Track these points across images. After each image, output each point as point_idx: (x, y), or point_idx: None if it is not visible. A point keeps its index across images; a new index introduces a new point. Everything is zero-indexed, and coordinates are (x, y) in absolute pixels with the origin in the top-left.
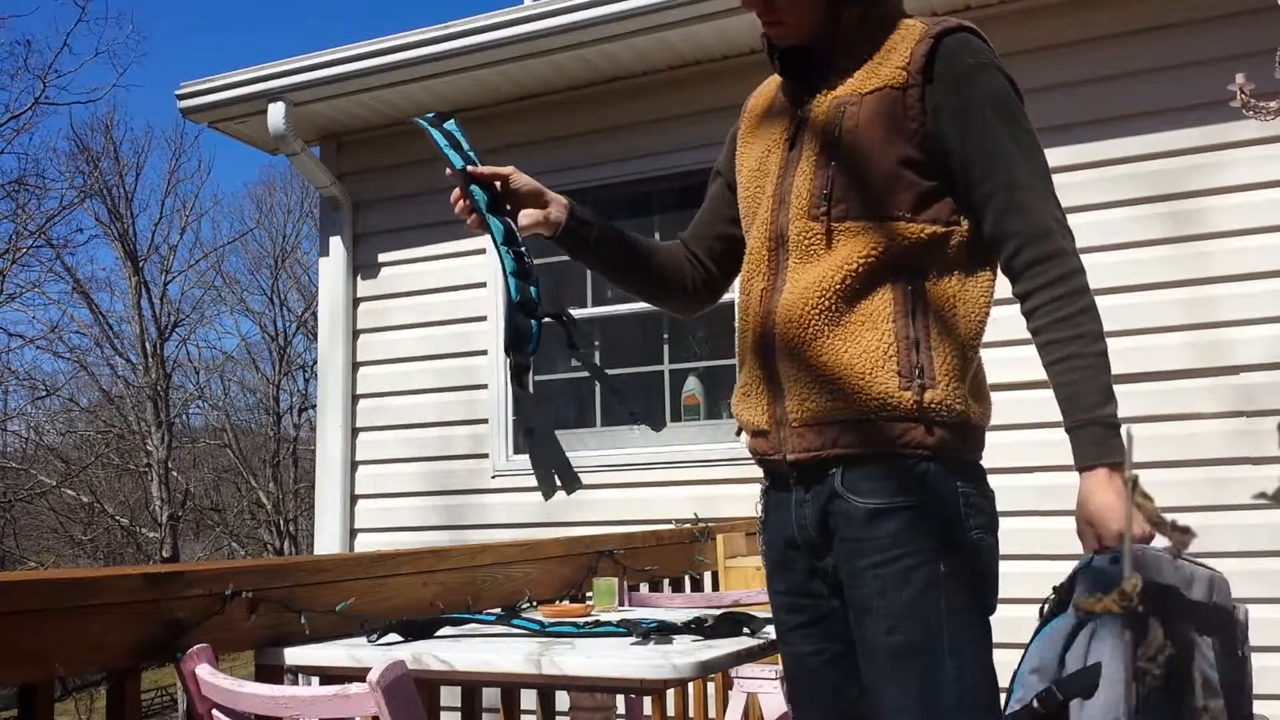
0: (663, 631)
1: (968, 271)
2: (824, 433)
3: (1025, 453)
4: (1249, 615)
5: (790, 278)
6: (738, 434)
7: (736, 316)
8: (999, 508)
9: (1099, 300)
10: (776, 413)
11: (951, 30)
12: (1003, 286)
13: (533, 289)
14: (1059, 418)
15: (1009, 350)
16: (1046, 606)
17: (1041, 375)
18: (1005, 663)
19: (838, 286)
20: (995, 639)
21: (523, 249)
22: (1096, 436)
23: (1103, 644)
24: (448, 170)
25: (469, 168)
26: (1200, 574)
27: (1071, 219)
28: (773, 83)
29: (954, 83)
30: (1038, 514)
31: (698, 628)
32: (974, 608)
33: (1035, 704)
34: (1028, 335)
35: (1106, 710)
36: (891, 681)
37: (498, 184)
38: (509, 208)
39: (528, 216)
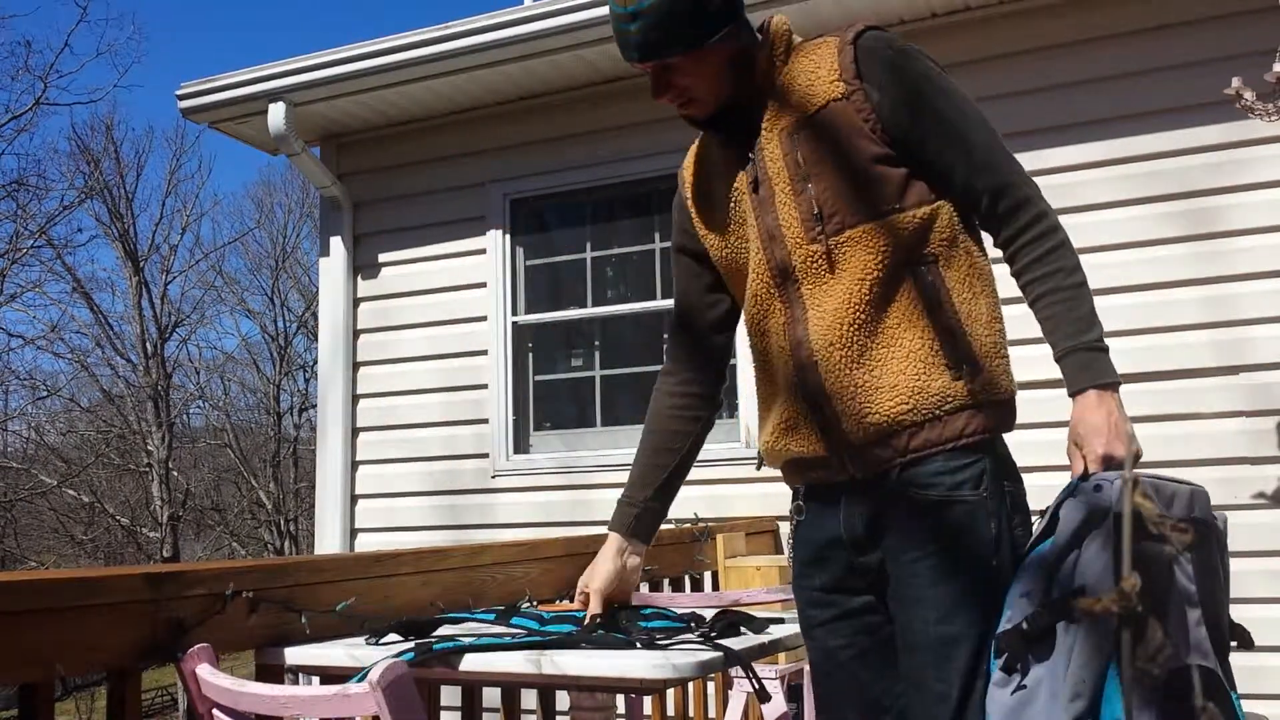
0: (664, 633)
1: (971, 243)
2: (891, 443)
3: (1024, 453)
4: (1228, 523)
5: (811, 304)
6: (759, 468)
7: (753, 360)
8: None
9: (1114, 299)
10: (834, 438)
11: (860, 32)
12: (1004, 288)
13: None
14: (1059, 417)
15: (1015, 349)
16: (1035, 527)
17: (1041, 375)
18: None
19: (867, 296)
20: None
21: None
22: (1082, 361)
23: (1088, 568)
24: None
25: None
26: (1181, 491)
27: (1084, 217)
28: (698, 146)
29: (887, 75)
30: (1038, 514)
31: (696, 628)
32: None
33: (1025, 625)
34: (1024, 336)
35: (1089, 634)
36: (936, 671)
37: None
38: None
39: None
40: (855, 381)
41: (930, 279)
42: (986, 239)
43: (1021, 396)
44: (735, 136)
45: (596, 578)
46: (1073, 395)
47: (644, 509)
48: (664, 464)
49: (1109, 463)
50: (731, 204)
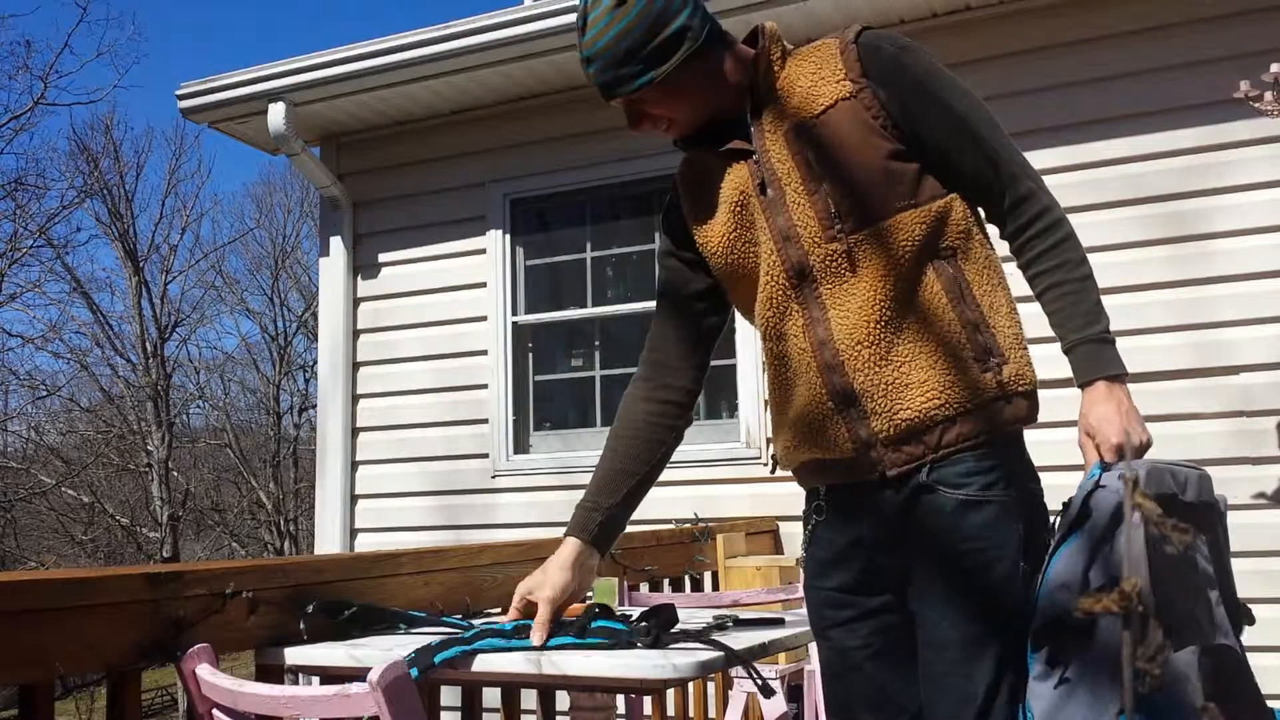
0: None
1: (982, 236)
2: (924, 439)
3: (1031, 452)
4: (1227, 503)
5: (831, 304)
6: (773, 470)
7: (769, 364)
8: None
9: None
10: (861, 436)
11: (860, 31)
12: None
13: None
14: (1062, 417)
15: None
16: (1057, 523)
17: (1045, 374)
18: None
19: (891, 293)
20: None
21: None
22: (1090, 353)
23: (1124, 560)
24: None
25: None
26: (1191, 476)
27: (1069, 219)
28: (688, 156)
29: (893, 71)
30: (1060, 509)
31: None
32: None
33: (1065, 619)
34: (1028, 335)
35: None
36: (963, 670)
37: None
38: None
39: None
40: (885, 379)
41: (951, 271)
42: (993, 232)
43: None
44: (727, 143)
45: (548, 586)
46: (1081, 387)
47: (607, 516)
48: (633, 471)
49: (1121, 450)
50: (734, 208)
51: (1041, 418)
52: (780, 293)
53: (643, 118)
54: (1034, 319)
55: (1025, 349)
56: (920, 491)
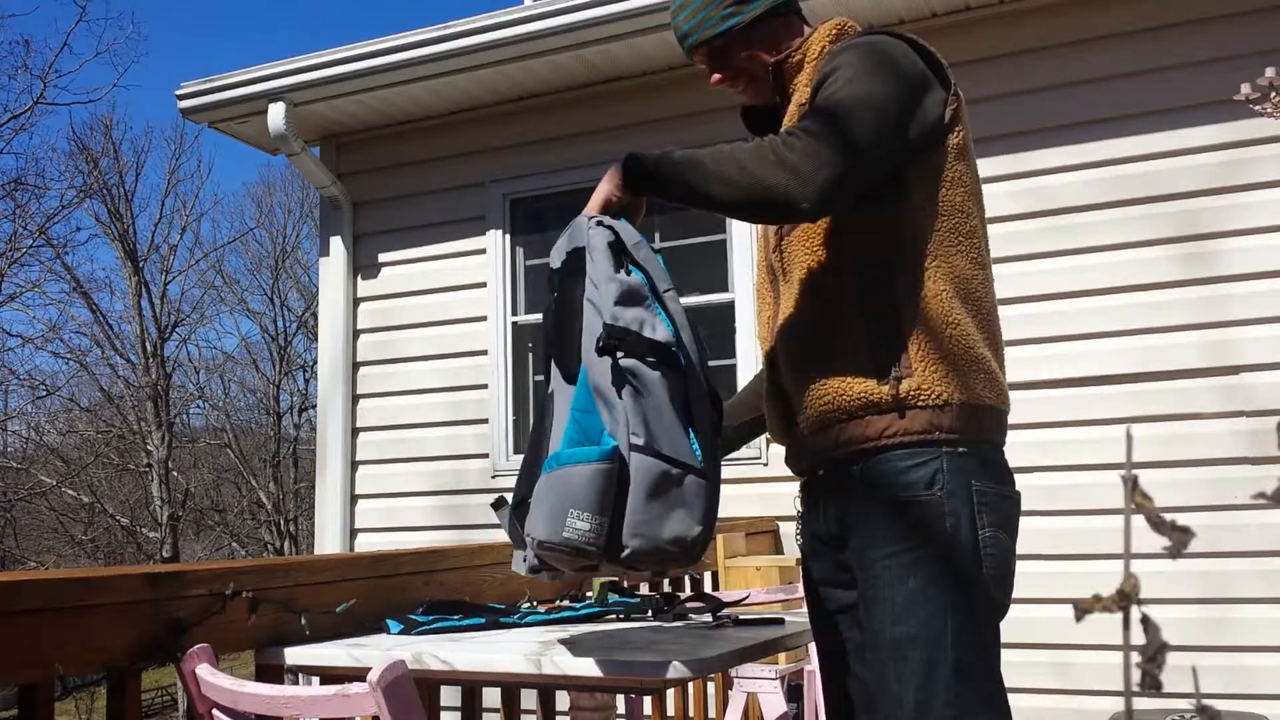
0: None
1: (927, 252)
2: (826, 436)
3: (1026, 453)
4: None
5: (783, 302)
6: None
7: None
8: None
9: (1105, 300)
10: (793, 429)
11: (842, 37)
12: (1001, 288)
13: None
14: (1059, 417)
15: (1009, 350)
16: None
17: (1042, 375)
18: (1014, 662)
19: (810, 297)
20: (1005, 638)
21: None
22: (629, 160)
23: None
24: None
25: None
26: (580, 229)
27: (1075, 219)
28: None
29: (821, 76)
30: (1041, 514)
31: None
32: (979, 604)
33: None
34: (1026, 335)
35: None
36: (892, 671)
37: None
38: None
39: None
40: (800, 377)
41: (872, 282)
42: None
43: (1020, 396)
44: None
45: None
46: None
47: (731, 434)
48: (754, 406)
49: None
50: None
51: (1031, 419)
52: (762, 285)
53: (727, 67)
54: (1022, 320)
55: (946, 364)
56: (853, 490)
